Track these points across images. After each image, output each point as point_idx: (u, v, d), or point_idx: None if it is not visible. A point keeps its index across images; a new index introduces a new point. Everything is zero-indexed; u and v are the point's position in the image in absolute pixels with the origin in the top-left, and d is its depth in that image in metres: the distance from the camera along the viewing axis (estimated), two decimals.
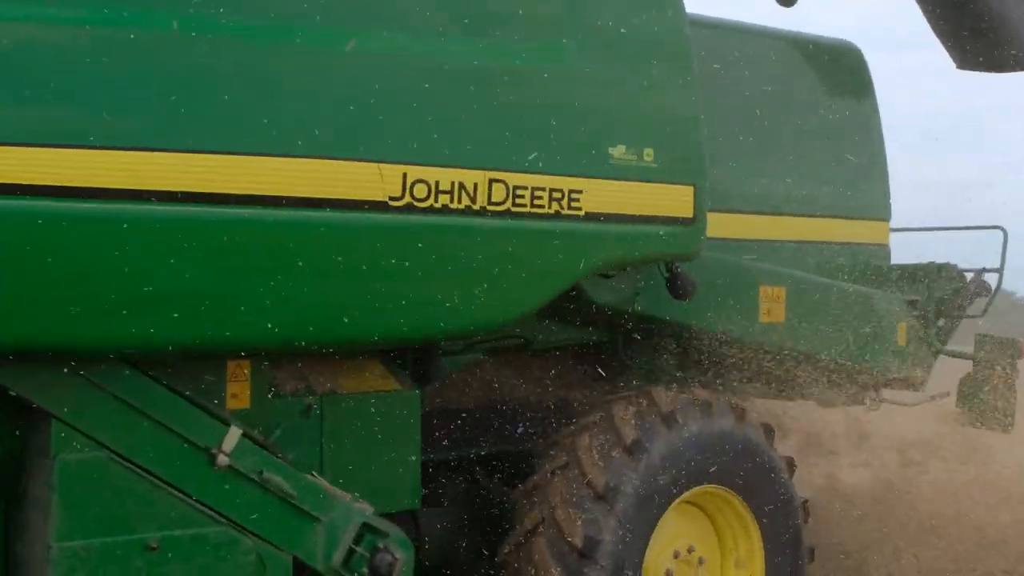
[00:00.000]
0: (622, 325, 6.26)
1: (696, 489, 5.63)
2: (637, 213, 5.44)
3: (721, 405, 5.76)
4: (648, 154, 5.46)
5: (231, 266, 4.40)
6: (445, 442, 5.86)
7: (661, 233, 5.52)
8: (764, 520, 5.86)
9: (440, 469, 5.88)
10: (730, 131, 7.13)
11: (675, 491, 5.52)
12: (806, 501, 6.13)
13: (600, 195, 5.31)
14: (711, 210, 6.71)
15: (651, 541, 5.42)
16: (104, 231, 4.16)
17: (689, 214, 5.61)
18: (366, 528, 4.96)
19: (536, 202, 5.12)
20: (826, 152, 7.57)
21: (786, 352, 6.74)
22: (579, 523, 5.22)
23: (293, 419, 5.10)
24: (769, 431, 5.97)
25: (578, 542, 5.17)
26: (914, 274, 7.77)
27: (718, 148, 6.95)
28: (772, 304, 6.68)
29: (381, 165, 4.71)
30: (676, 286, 5.94)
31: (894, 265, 7.78)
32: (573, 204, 5.23)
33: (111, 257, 4.18)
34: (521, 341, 6.14)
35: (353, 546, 4.91)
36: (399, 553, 5.00)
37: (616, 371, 6.59)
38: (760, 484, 5.84)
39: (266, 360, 4.99)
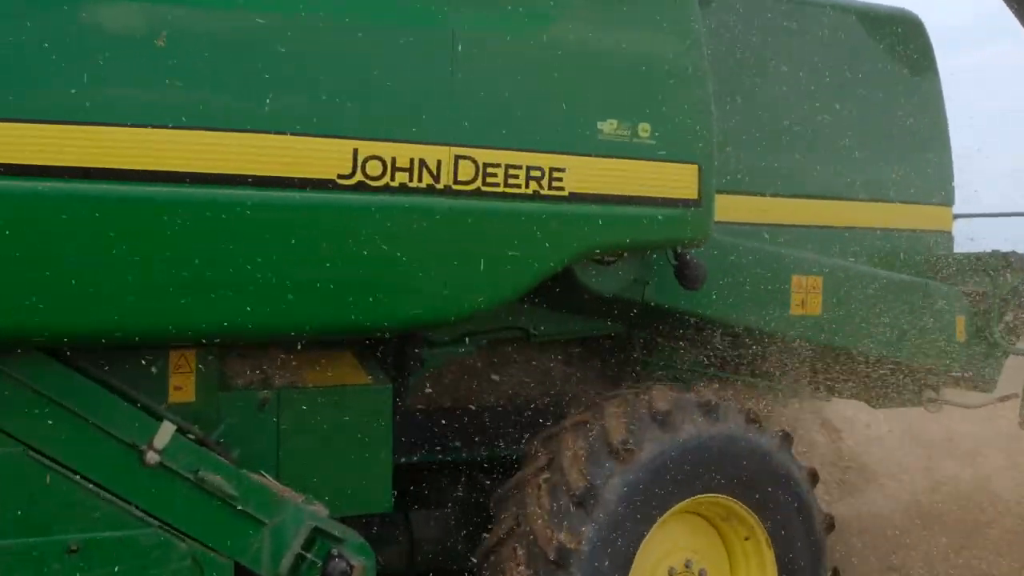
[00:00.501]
0: (633, 316, 5.79)
1: (697, 498, 5.11)
2: (631, 194, 4.95)
3: (728, 407, 5.23)
4: (644, 129, 4.97)
5: (155, 248, 4.06)
6: (437, 443, 5.45)
7: (660, 216, 5.03)
8: (778, 535, 5.30)
9: (437, 469, 5.49)
10: (777, 108, 6.57)
11: (669, 500, 5.02)
12: (830, 516, 5.55)
13: (587, 174, 4.84)
14: (753, 194, 6.26)
15: (639, 553, 4.93)
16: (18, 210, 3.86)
17: (694, 195, 5.10)
18: (318, 532, 4.58)
19: (511, 181, 4.68)
20: (882, 130, 6.93)
21: (823, 347, 6.18)
22: (554, 530, 4.76)
23: (246, 414, 4.75)
24: (787, 438, 5.41)
25: (550, 552, 4.72)
26: (979, 264, 7.09)
27: (760, 127, 6.46)
28: (807, 295, 6.11)
29: (330, 140, 4.33)
30: (684, 274, 5.43)
31: (957, 254, 7.10)
32: (555, 183, 4.77)
33: (27, 238, 3.89)
34: (521, 333, 5.71)
35: (303, 552, 4.55)
36: (356, 560, 4.61)
37: (632, 367, 6.11)
38: (774, 496, 5.29)
39: (212, 351, 4.65)
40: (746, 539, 5.30)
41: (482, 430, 5.59)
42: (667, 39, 5.03)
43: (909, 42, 7.09)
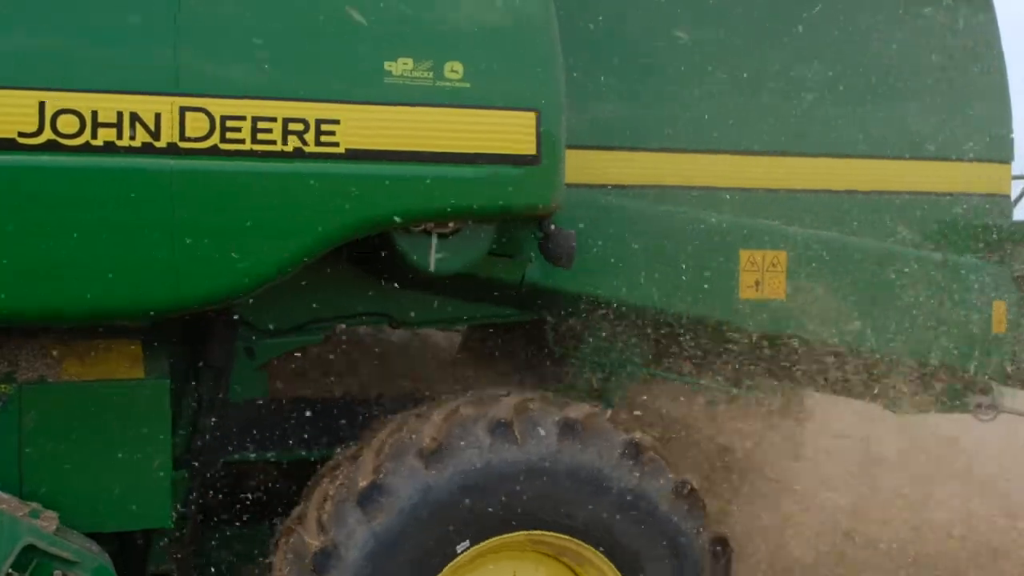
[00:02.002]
0: (524, 301, 4.83)
1: (529, 533, 4.09)
2: (436, 150, 4.02)
3: (600, 430, 4.18)
4: (453, 70, 4.02)
5: None
6: (248, 441, 4.67)
7: (482, 177, 4.07)
8: None
9: (243, 471, 4.73)
10: (798, 51, 5.34)
11: (480, 531, 4.04)
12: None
13: (370, 126, 3.95)
14: (768, 154, 5.08)
15: None
16: None
17: (530, 151, 4.11)
18: (34, 551, 3.91)
19: (261, 136, 3.85)
20: (911, 70, 5.55)
21: (791, 340, 4.98)
22: (316, 554, 3.89)
23: None
24: (681, 485, 4.29)
25: None
26: None
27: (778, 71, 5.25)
28: (764, 274, 4.93)
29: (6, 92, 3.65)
30: (547, 248, 4.43)
31: (1017, 222, 5.63)
32: (324, 139, 3.91)
33: None
34: (383, 320, 4.85)
35: (12, 572, 3.89)
36: None
37: (547, 361, 5.11)
38: (642, 547, 4.21)
39: None
40: None
41: (308, 428, 4.74)
42: None
43: None
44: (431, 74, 3.99)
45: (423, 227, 4.20)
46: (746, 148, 5.11)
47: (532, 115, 4.09)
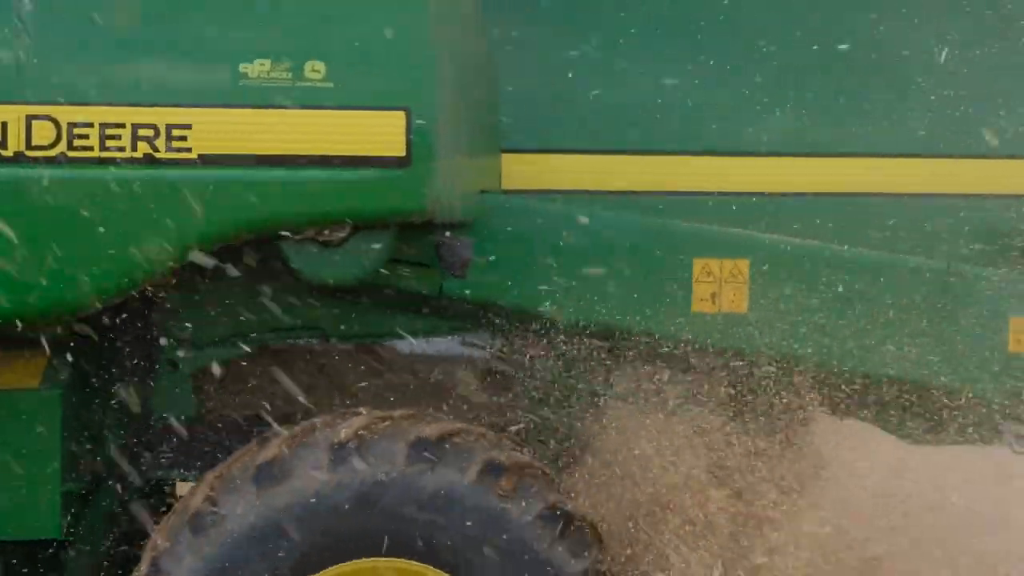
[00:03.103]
0: (470, 313, 4.57)
1: (375, 561, 3.82)
2: (298, 153, 3.84)
3: (458, 449, 3.88)
4: (315, 69, 3.83)
5: None
6: (171, 459, 4.59)
7: (348, 181, 3.87)
8: None
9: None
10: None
11: (320, 559, 3.79)
12: None
13: (225, 130, 3.81)
14: (774, 155, 4.70)
15: None
16: None
17: (399, 152, 3.87)
18: None
19: (110, 144, 3.77)
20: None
21: (759, 357, 4.51)
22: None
23: None
24: (552, 509, 3.94)
25: None
26: None
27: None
28: (721, 286, 4.49)
29: None
30: (440, 256, 4.17)
31: None
32: (176, 144, 3.80)
33: None
34: (317, 333, 4.68)
35: None
36: None
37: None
38: (499, 571, 3.87)
39: None
40: None
41: (236, 446, 4.59)
42: None
43: None
44: (290, 75, 3.81)
45: (310, 235, 4.03)
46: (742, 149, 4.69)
47: (401, 115, 3.85)
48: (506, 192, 4.58)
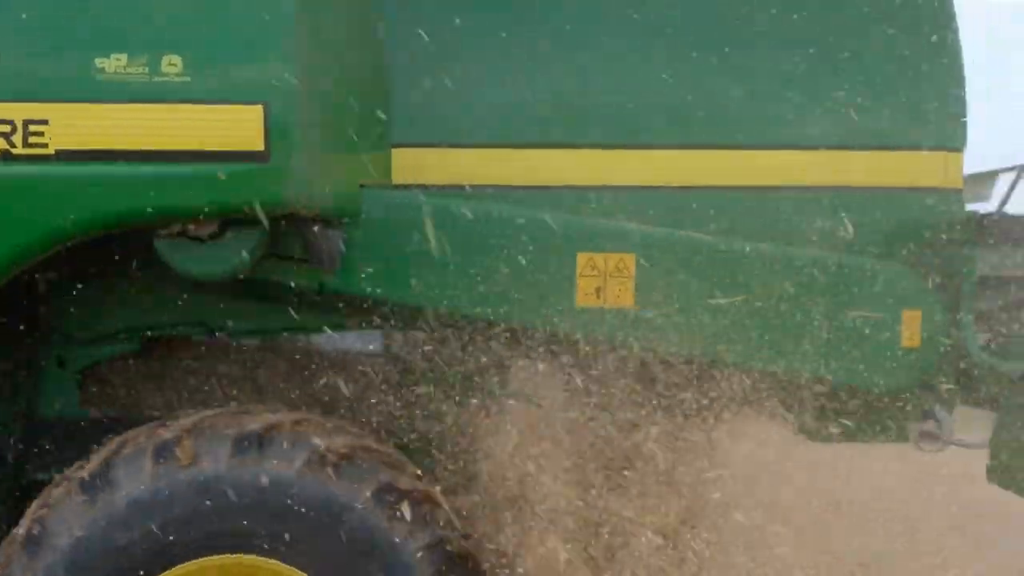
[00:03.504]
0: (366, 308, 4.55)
1: (223, 557, 3.80)
2: (156, 147, 3.83)
3: (285, 439, 3.87)
4: (171, 64, 3.82)
5: None
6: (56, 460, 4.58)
7: (203, 175, 3.84)
8: None
9: None
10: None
11: (156, 563, 3.79)
12: None
13: (82, 125, 3.80)
14: (640, 147, 4.69)
15: None
16: None
17: (257, 146, 3.85)
18: None
19: None
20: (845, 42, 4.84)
21: (647, 352, 4.46)
22: None
23: None
24: (386, 489, 3.92)
25: None
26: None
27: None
28: (606, 280, 4.45)
29: None
30: (311, 250, 4.16)
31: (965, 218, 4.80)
32: (33, 140, 3.80)
33: None
34: (202, 328, 4.67)
35: None
36: None
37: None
38: (336, 555, 3.84)
39: None
40: None
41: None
42: None
43: None
44: (147, 69, 3.80)
45: (180, 230, 4.03)
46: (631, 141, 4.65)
47: (258, 108, 3.83)
48: (396, 187, 4.56)
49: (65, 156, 3.79)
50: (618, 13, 4.67)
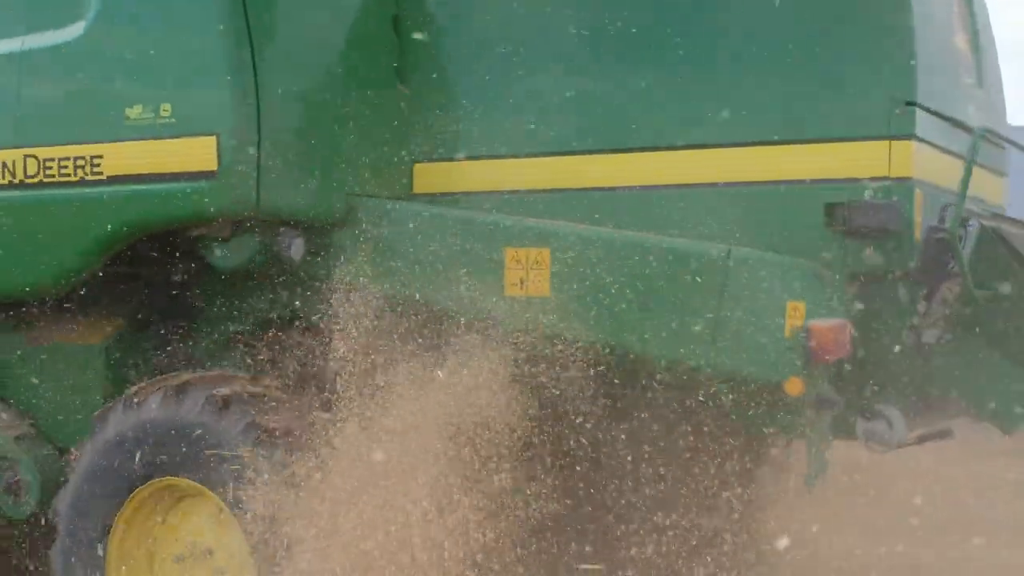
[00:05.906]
0: None
1: (162, 480, 5.11)
2: (156, 171, 5.27)
3: (195, 391, 5.08)
4: (165, 109, 5.24)
5: None
6: None
7: (183, 191, 5.21)
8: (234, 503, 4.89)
9: None
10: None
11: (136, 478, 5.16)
12: None
13: (120, 158, 5.35)
14: (592, 152, 5.37)
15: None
16: None
17: (212, 167, 5.13)
18: None
19: (63, 171, 5.49)
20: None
21: (559, 338, 4.94)
22: None
23: None
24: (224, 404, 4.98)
25: None
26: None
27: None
28: (528, 271, 5.02)
29: None
30: (278, 250, 5.31)
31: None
32: (95, 169, 5.42)
33: None
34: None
35: None
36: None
37: None
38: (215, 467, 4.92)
39: None
40: (220, 512, 5.02)
41: None
42: (186, 27, 5.18)
43: None
44: (152, 114, 5.23)
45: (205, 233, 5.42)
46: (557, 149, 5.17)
47: (213, 138, 5.08)
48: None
49: (114, 180, 5.33)
50: None
